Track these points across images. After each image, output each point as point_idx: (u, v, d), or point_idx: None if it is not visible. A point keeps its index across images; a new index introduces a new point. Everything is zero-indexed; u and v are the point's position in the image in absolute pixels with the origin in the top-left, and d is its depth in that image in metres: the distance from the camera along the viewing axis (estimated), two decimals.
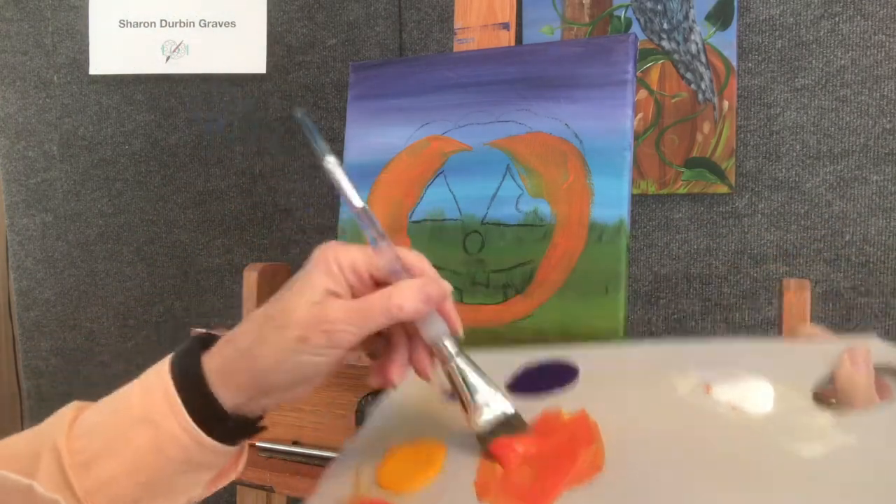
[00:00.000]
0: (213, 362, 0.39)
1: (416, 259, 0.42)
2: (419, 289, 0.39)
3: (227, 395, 0.39)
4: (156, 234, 1.38)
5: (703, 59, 1.10)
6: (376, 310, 0.38)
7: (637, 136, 1.12)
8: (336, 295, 0.39)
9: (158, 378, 0.39)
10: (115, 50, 1.34)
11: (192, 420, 0.38)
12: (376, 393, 0.69)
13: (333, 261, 0.40)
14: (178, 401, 0.38)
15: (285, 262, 1.13)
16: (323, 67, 1.33)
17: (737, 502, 0.33)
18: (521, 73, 0.67)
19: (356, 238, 0.72)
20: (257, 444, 0.73)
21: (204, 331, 0.44)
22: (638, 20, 1.13)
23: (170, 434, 0.38)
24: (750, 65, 1.10)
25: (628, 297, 0.73)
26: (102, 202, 1.38)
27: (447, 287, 0.42)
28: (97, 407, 0.41)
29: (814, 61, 1.08)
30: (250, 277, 0.75)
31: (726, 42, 1.09)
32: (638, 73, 1.13)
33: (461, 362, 0.42)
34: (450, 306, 0.42)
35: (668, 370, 0.43)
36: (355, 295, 0.40)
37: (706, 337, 1.13)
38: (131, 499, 0.38)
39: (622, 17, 1.14)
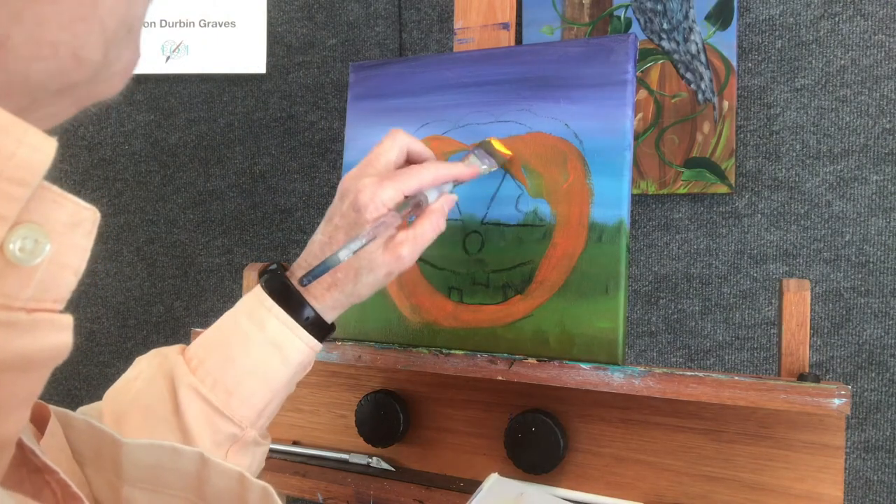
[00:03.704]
0: (322, 302, 0.52)
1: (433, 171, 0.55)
2: (441, 213, 0.54)
3: (332, 316, 0.53)
4: (156, 234, 1.38)
5: (703, 59, 1.10)
6: (427, 238, 0.53)
7: (637, 136, 1.12)
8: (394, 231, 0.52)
9: (270, 313, 0.50)
10: None
11: (310, 334, 0.51)
12: (376, 393, 0.70)
13: (381, 206, 0.50)
14: (299, 326, 0.51)
15: (285, 262, 1.12)
16: (323, 67, 1.33)
17: None
18: (520, 73, 0.67)
19: None
20: None
21: (270, 265, 0.54)
22: (638, 20, 1.13)
23: (295, 349, 0.50)
24: (750, 65, 1.10)
25: (628, 297, 0.73)
26: (102, 202, 1.38)
27: (447, 176, 0.56)
28: (208, 345, 0.50)
29: (814, 61, 1.08)
30: (250, 277, 0.75)
31: (726, 42, 1.09)
32: (638, 73, 1.12)
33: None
34: (443, 173, 0.56)
35: None
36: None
37: (706, 338, 1.13)
38: (264, 403, 0.50)
39: (622, 17, 1.14)
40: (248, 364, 0.49)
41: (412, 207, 0.52)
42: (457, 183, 0.58)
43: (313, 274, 0.48)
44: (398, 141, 0.55)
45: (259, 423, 0.50)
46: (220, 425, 0.48)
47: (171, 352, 0.51)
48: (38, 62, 0.23)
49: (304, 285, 0.49)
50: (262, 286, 0.52)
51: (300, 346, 0.51)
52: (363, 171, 0.54)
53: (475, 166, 0.60)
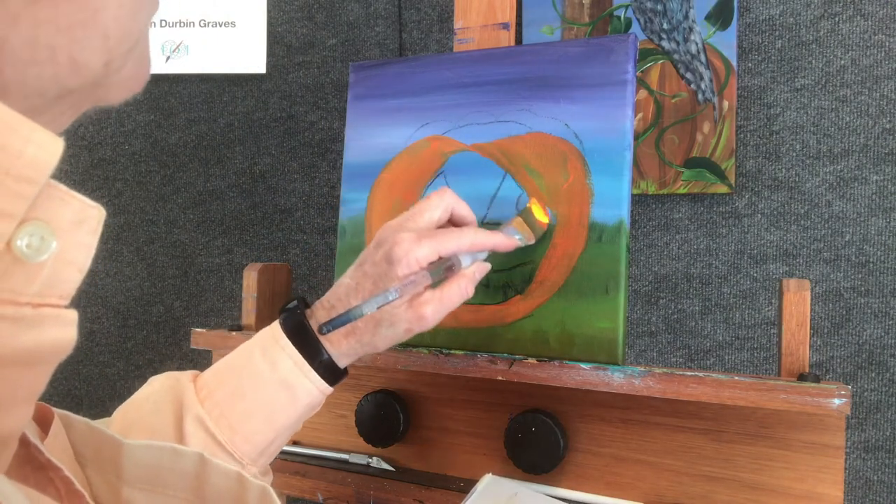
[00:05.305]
0: (338, 348, 0.52)
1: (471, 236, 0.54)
2: (471, 279, 0.53)
3: (345, 362, 0.53)
4: (156, 234, 1.38)
5: (703, 59, 1.10)
6: (454, 302, 0.52)
7: (637, 136, 1.12)
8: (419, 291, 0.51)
9: (283, 352, 0.50)
10: None
11: (321, 377, 0.51)
12: (376, 393, 0.70)
13: (415, 263, 0.50)
14: (311, 369, 0.50)
15: (285, 262, 1.13)
16: (323, 67, 1.33)
17: None
18: (520, 73, 0.67)
19: (356, 237, 0.72)
20: None
21: (294, 304, 0.53)
22: (638, 20, 1.13)
23: (305, 391, 0.50)
24: (750, 65, 1.10)
25: (628, 297, 0.73)
26: (102, 202, 1.37)
27: (485, 244, 0.55)
28: (219, 376, 0.51)
29: (814, 61, 1.08)
30: (250, 277, 0.75)
31: (726, 42, 1.09)
32: (638, 73, 1.12)
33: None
34: (481, 240, 0.55)
35: None
36: None
37: (706, 337, 1.13)
38: (267, 442, 0.50)
39: (622, 17, 1.14)
40: (256, 401, 0.49)
41: (444, 270, 0.51)
42: (492, 251, 0.57)
43: (333, 324, 0.48)
44: (445, 200, 0.55)
45: (260, 461, 0.50)
46: (221, 459, 0.48)
47: (183, 377, 0.51)
48: (34, 66, 0.23)
49: (324, 334, 0.49)
50: (279, 323, 0.52)
51: (310, 389, 0.51)
52: (404, 224, 0.53)
53: (514, 238, 0.59)
